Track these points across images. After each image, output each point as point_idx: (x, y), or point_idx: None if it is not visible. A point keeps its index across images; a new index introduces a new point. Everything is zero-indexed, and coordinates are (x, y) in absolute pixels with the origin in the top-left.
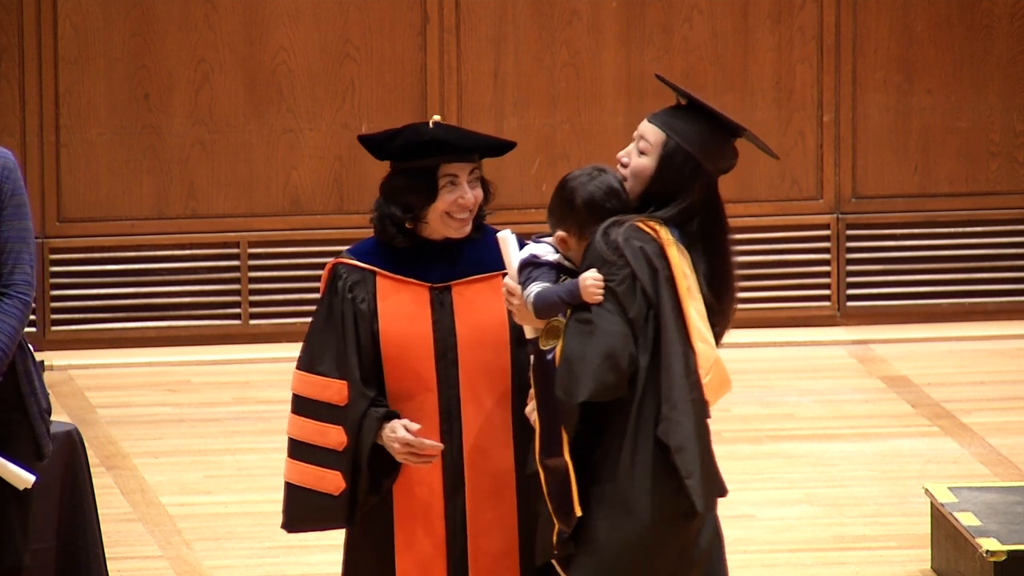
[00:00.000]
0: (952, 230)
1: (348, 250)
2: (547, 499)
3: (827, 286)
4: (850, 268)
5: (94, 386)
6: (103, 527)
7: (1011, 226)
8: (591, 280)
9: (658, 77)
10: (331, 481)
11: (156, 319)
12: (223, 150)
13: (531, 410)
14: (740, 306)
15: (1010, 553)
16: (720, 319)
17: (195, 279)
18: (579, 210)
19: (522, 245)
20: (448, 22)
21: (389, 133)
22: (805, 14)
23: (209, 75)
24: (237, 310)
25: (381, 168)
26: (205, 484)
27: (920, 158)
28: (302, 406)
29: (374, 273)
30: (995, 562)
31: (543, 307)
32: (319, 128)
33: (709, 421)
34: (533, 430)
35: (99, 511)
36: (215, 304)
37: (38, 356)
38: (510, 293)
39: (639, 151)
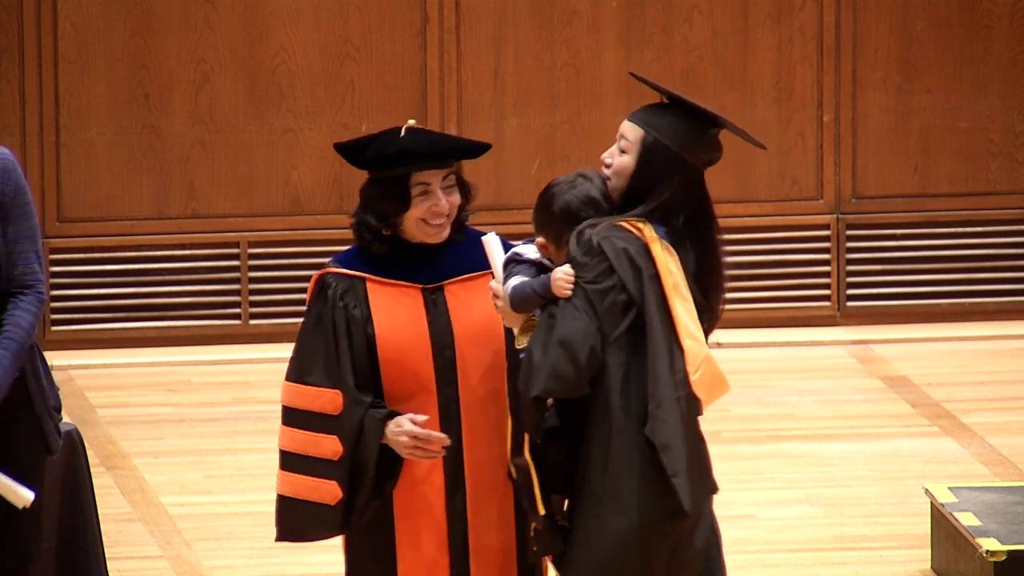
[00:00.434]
0: (952, 230)
1: (333, 259)
2: (522, 496)
3: (827, 286)
4: (850, 268)
5: (94, 386)
6: (103, 527)
7: (1011, 226)
8: (561, 274)
9: (633, 75)
10: (327, 491)
11: (156, 319)
12: (223, 150)
13: None
14: (740, 306)
15: (1010, 553)
16: (709, 315)
17: (195, 279)
18: (555, 217)
19: (508, 248)
20: (448, 22)
21: (362, 141)
22: (805, 14)
23: (209, 75)
24: (237, 310)
25: None
26: (205, 484)
27: (920, 158)
28: (293, 417)
29: (363, 279)
30: (995, 562)
31: (519, 300)
32: (319, 128)
33: (702, 419)
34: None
35: (99, 511)
36: (215, 304)
37: None
38: (495, 296)
39: (620, 150)
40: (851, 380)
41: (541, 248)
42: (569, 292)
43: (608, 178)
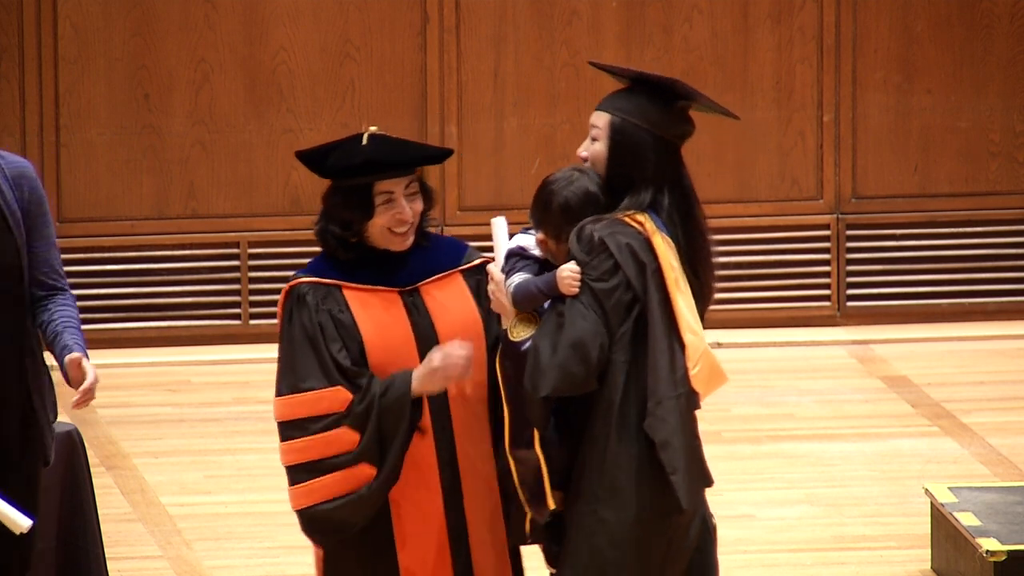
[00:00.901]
0: (952, 230)
1: (300, 272)
2: (519, 488)
3: (827, 286)
4: (850, 268)
5: None
6: (103, 527)
7: (1011, 226)
8: (568, 272)
9: (592, 64)
10: (358, 476)
11: (156, 319)
12: (223, 150)
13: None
14: (740, 306)
15: (1010, 553)
16: (703, 294)
17: (195, 279)
18: (555, 214)
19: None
20: (448, 22)
21: (323, 150)
22: (805, 14)
23: (209, 75)
24: (237, 310)
25: None
26: (205, 484)
27: (920, 158)
28: (294, 429)
29: (339, 286)
30: (995, 562)
31: (522, 297)
32: (319, 128)
33: (701, 417)
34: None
35: (99, 511)
36: (215, 304)
37: None
38: (491, 279)
39: (592, 139)
40: (851, 380)
41: (540, 244)
42: (576, 290)
43: None
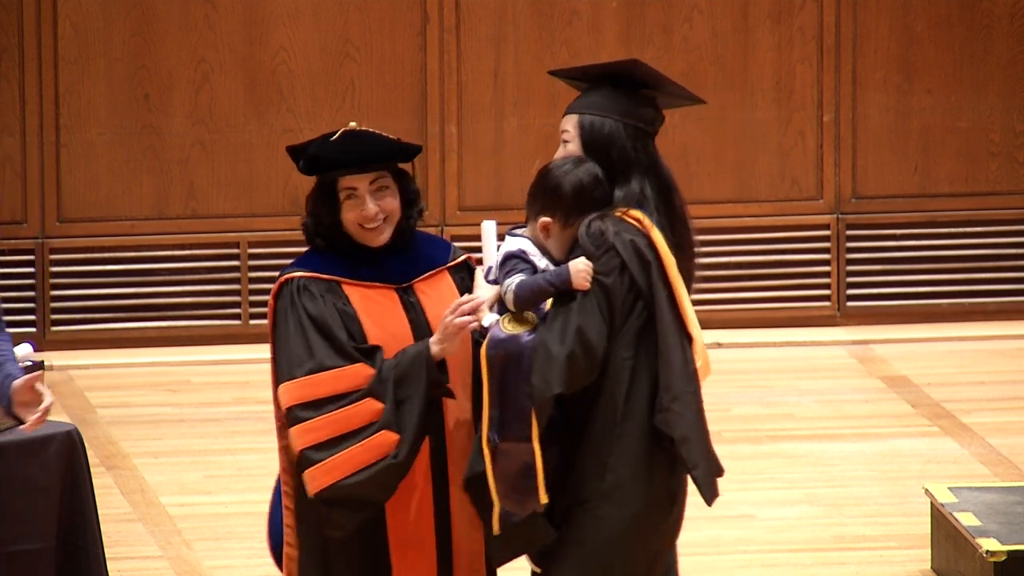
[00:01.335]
0: (952, 230)
1: (293, 266)
2: (493, 480)
3: (827, 286)
4: (850, 268)
5: (94, 386)
6: (103, 527)
7: (1011, 226)
8: (583, 266)
9: (551, 73)
10: (381, 444)
11: (156, 319)
12: (223, 150)
13: None
14: (740, 306)
15: (1010, 553)
16: (687, 279)
17: (195, 279)
18: (567, 197)
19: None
20: (448, 22)
21: (302, 145)
22: (805, 14)
23: (209, 75)
24: (237, 310)
25: None
26: (205, 484)
27: (920, 158)
28: (310, 410)
29: (338, 281)
30: (995, 562)
31: (527, 294)
32: (319, 128)
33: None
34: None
35: (99, 511)
36: (215, 304)
37: (37, 356)
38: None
39: (563, 142)
40: (851, 380)
41: (542, 229)
42: (588, 285)
43: None
